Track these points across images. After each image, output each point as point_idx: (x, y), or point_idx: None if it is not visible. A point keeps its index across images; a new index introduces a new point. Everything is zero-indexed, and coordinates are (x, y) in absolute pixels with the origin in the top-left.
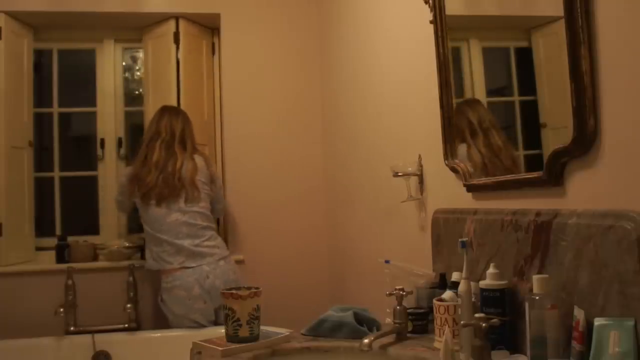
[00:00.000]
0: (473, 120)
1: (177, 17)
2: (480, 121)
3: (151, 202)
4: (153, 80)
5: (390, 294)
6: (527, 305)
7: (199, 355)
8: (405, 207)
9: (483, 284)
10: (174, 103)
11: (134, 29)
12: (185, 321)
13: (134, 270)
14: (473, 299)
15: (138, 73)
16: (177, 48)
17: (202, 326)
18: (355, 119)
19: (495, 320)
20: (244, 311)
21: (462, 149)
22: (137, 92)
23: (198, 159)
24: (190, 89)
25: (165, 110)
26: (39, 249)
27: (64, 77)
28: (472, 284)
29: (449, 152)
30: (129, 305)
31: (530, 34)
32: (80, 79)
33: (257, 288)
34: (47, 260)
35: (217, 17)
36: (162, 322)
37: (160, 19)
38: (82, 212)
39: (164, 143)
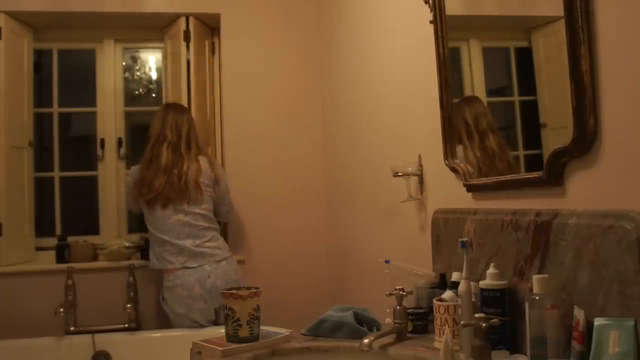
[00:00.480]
0: (470, 121)
1: (187, 16)
2: (477, 122)
3: (157, 206)
4: (171, 80)
5: (390, 294)
6: (527, 305)
7: (199, 355)
8: (405, 207)
9: (483, 284)
10: (185, 103)
11: (134, 29)
12: (185, 320)
13: (134, 270)
14: (473, 299)
15: (138, 73)
16: (187, 47)
17: (202, 326)
18: (356, 119)
19: (495, 320)
20: (244, 311)
21: (459, 150)
22: (137, 92)
23: (202, 160)
24: (197, 88)
25: (169, 107)
26: (39, 249)
27: (64, 77)
28: (472, 284)
29: (449, 152)
30: (129, 305)
31: (530, 34)
32: (80, 79)
33: (257, 288)
34: (47, 260)
35: (217, 17)
36: (162, 321)
37: (165, 18)
38: (82, 212)
39: (171, 145)
